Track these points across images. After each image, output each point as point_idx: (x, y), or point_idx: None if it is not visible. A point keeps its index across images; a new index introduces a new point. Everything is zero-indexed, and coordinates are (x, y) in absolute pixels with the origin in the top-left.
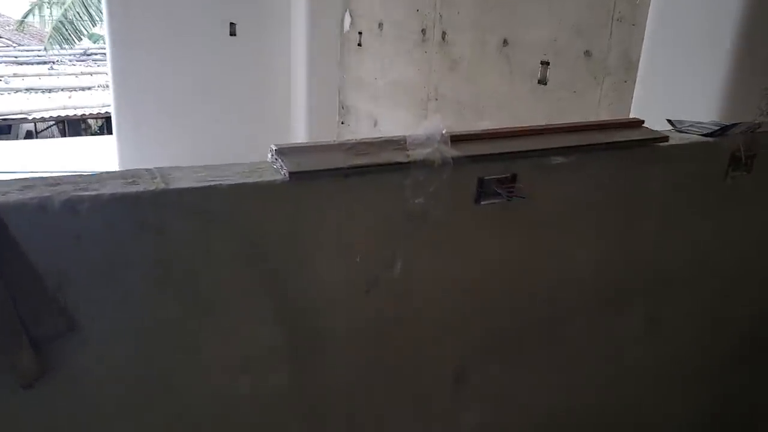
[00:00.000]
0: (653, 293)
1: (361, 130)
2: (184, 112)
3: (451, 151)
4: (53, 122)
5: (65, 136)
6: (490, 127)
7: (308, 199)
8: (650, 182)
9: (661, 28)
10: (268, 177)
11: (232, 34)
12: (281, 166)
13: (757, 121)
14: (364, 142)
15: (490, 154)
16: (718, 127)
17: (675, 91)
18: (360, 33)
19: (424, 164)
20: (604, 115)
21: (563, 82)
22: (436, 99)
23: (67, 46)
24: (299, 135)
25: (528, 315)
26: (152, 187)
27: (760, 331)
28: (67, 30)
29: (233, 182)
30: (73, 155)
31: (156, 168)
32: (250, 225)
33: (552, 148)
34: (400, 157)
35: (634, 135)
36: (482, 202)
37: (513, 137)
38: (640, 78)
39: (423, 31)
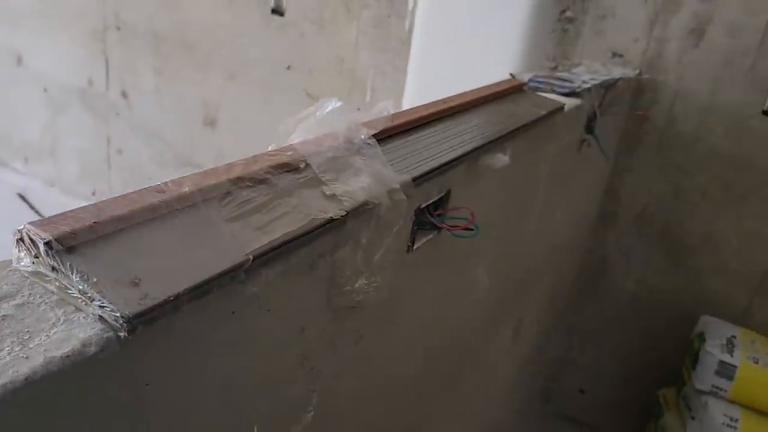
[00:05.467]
0: (522, 292)
1: None
2: None
3: (397, 176)
4: None
5: None
6: (380, 113)
7: (167, 359)
8: (542, 162)
9: None
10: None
11: None
12: (99, 301)
13: (608, 76)
14: (235, 179)
15: (435, 169)
16: (574, 85)
17: (463, 31)
18: None
19: (365, 212)
20: (366, 57)
21: (307, 13)
22: (118, 28)
23: None
24: None
25: (441, 366)
26: None
27: (564, 300)
28: None
29: None
30: None
31: None
32: None
33: (491, 142)
34: (328, 208)
35: (536, 107)
36: (415, 246)
37: (419, 127)
38: (419, 15)
39: None
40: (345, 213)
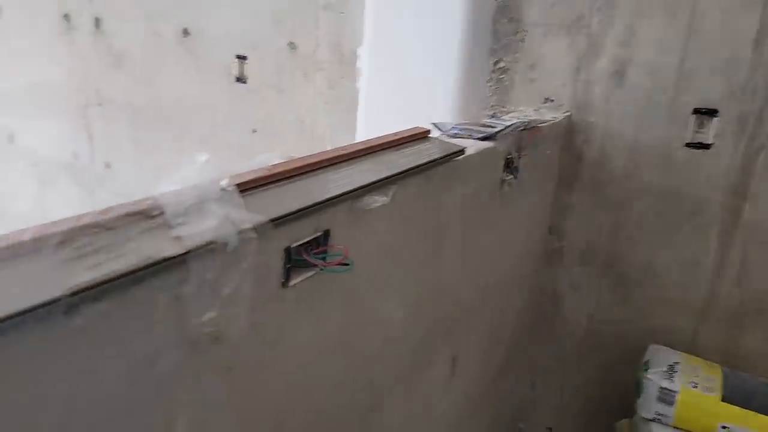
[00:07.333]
0: (452, 330)
1: None
2: None
3: (249, 216)
4: None
5: None
6: (270, 162)
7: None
8: (450, 203)
9: (380, 17)
10: None
11: None
12: None
13: (526, 120)
14: (82, 226)
15: (300, 210)
16: (494, 130)
17: (405, 86)
18: None
19: (209, 251)
20: (323, 116)
21: (267, 80)
22: (100, 104)
23: None
24: None
25: (346, 404)
26: None
27: (516, 339)
28: None
29: None
30: None
31: None
32: None
33: (368, 185)
34: (167, 248)
35: (433, 151)
36: (291, 283)
37: (305, 174)
38: (365, 75)
39: (66, 16)
40: (184, 252)
